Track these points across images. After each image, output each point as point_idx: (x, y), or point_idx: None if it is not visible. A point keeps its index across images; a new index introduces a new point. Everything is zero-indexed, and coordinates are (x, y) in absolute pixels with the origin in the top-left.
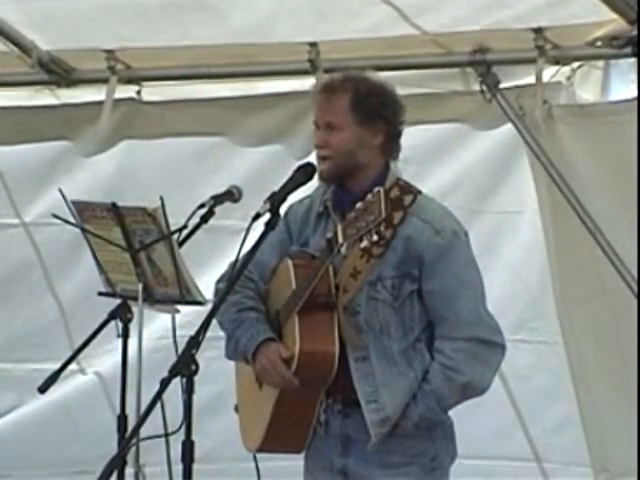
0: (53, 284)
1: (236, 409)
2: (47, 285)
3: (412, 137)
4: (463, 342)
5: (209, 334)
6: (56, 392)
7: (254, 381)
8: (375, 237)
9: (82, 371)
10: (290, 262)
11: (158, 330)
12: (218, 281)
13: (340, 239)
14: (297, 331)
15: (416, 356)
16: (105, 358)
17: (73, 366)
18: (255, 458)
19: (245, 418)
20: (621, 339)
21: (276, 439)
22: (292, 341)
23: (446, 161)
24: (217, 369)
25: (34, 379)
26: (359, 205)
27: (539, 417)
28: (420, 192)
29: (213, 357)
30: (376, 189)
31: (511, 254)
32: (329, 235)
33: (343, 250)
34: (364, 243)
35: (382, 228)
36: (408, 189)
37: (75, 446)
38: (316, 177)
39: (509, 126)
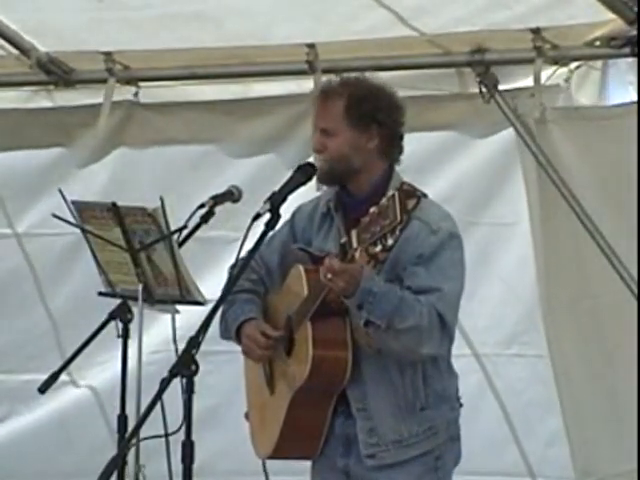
0: (44, 295)
1: (246, 416)
2: (38, 296)
3: (407, 145)
4: (432, 307)
5: (203, 348)
6: (49, 404)
7: (265, 387)
8: (390, 241)
9: (74, 382)
10: (302, 268)
11: (153, 343)
12: (232, 267)
13: (354, 244)
14: (310, 337)
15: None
16: (97, 370)
17: (64, 377)
18: (264, 464)
19: (256, 425)
20: (607, 341)
21: (288, 446)
22: (306, 347)
23: (441, 170)
24: (212, 383)
25: (25, 390)
26: (373, 209)
27: (533, 431)
28: (425, 195)
29: (207, 371)
30: (390, 192)
31: (505, 266)
32: (343, 240)
33: (357, 255)
34: (378, 247)
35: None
36: (412, 193)
37: (68, 458)
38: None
39: (503, 136)
